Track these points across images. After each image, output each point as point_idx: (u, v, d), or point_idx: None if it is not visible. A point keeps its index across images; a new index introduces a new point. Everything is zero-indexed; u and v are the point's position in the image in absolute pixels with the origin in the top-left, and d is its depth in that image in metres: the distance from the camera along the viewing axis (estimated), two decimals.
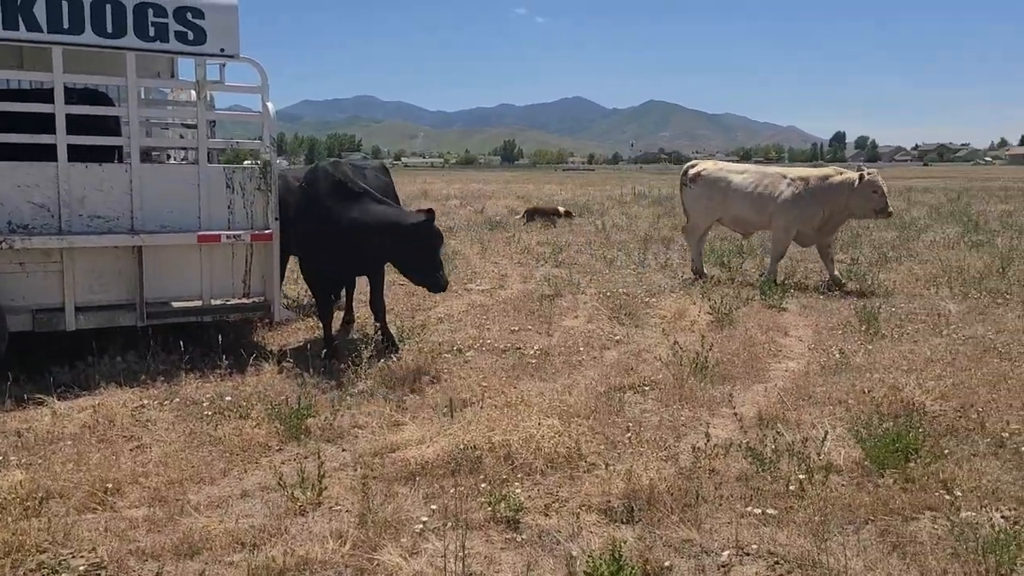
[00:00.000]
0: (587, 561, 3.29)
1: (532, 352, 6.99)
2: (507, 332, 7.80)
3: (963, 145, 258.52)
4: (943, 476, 4.28)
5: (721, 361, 6.62)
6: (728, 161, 15.71)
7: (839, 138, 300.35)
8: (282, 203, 7.04)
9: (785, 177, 10.75)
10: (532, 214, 19.32)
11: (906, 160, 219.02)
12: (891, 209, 10.48)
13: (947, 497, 4.06)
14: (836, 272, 10.60)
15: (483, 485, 4.15)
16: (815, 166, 13.87)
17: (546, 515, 3.93)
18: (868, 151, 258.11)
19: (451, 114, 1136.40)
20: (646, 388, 5.98)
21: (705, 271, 11.26)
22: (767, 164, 13.53)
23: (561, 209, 19.75)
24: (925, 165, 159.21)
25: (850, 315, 8.38)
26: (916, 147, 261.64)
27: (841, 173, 10.57)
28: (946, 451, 4.68)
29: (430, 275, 6.62)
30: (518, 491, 4.07)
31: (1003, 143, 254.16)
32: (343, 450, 4.84)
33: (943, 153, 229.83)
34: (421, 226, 6.43)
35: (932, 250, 13.90)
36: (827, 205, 10.36)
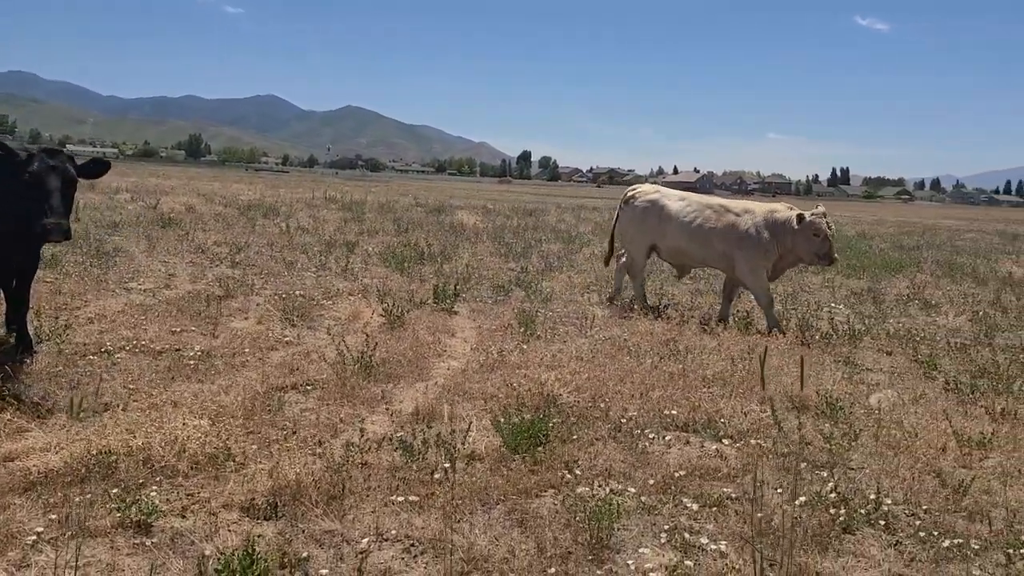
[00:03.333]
0: (219, 559, 3.23)
1: (192, 354, 6.66)
2: (167, 333, 7.36)
3: (630, 171, 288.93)
4: (567, 458, 4.78)
5: (388, 361, 6.80)
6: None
7: (525, 156, 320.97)
8: None
9: (729, 211, 9.76)
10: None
11: (583, 181, 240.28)
12: (835, 256, 9.43)
13: (568, 476, 4.56)
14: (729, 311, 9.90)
15: (115, 491, 3.89)
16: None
17: (183, 517, 3.79)
18: (550, 170, 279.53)
19: (128, 101, 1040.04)
20: (308, 387, 5.98)
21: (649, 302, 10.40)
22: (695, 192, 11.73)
23: None
24: (598, 187, 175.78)
25: (512, 318, 9.02)
26: (591, 170, 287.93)
27: (791, 209, 9.52)
28: (574, 436, 5.24)
29: (36, 219, 5.46)
30: (153, 494, 3.87)
31: (660, 171, 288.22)
32: None
33: (613, 176, 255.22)
34: (33, 158, 5.60)
35: (590, 262, 15.39)
36: (779, 244, 9.39)
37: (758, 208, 9.70)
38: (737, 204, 10.06)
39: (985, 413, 6.30)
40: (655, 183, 12.82)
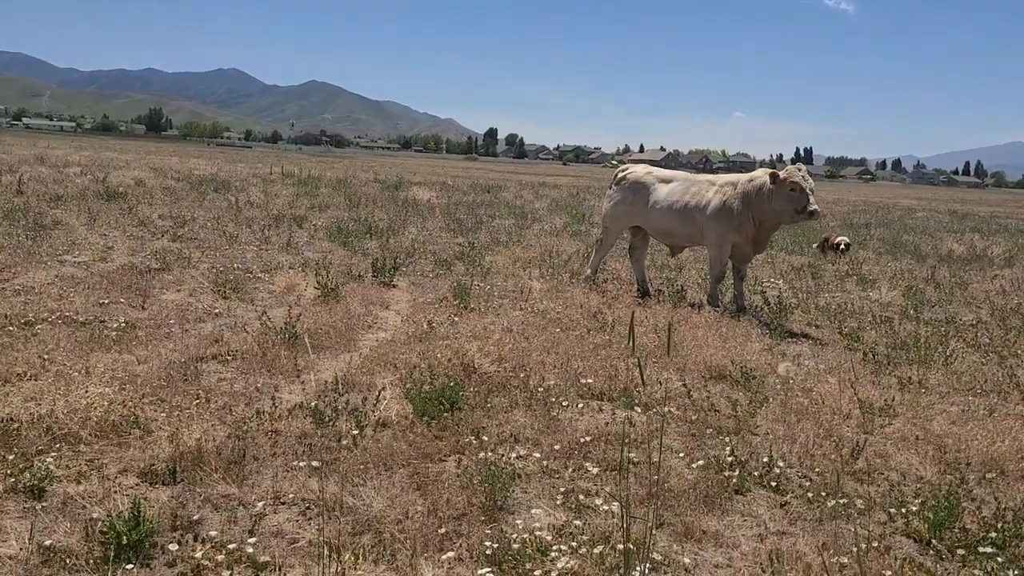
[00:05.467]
0: (106, 521, 3.28)
1: (116, 325, 6.63)
2: (94, 305, 7.32)
3: (596, 148, 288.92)
4: (475, 425, 4.87)
5: (316, 332, 6.83)
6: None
7: (492, 133, 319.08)
8: None
9: (714, 184, 9.57)
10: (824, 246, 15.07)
11: (549, 158, 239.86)
12: (813, 207, 8.87)
13: (474, 442, 4.65)
14: (745, 290, 9.54)
15: (11, 457, 3.90)
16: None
17: (78, 482, 3.82)
18: (516, 148, 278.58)
19: (86, 73, 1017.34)
20: (229, 358, 6.00)
21: (596, 279, 10.36)
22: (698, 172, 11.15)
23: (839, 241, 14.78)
24: (564, 164, 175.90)
25: (448, 292, 9.06)
26: (558, 147, 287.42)
27: (768, 172, 9.29)
28: (488, 404, 5.33)
29: None
30: (50, 461, 3.89)
31: (627, 149, 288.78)
32: None
33: (579, 154, 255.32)
34: None
35: (539, 237, 15.47)
36: (753, 210, 9.16)
37: (741, 178, 9.45)
38: (721, 178, 9.83)
39: (897, 382, 6.51)
40: (623, 161, 12.59)
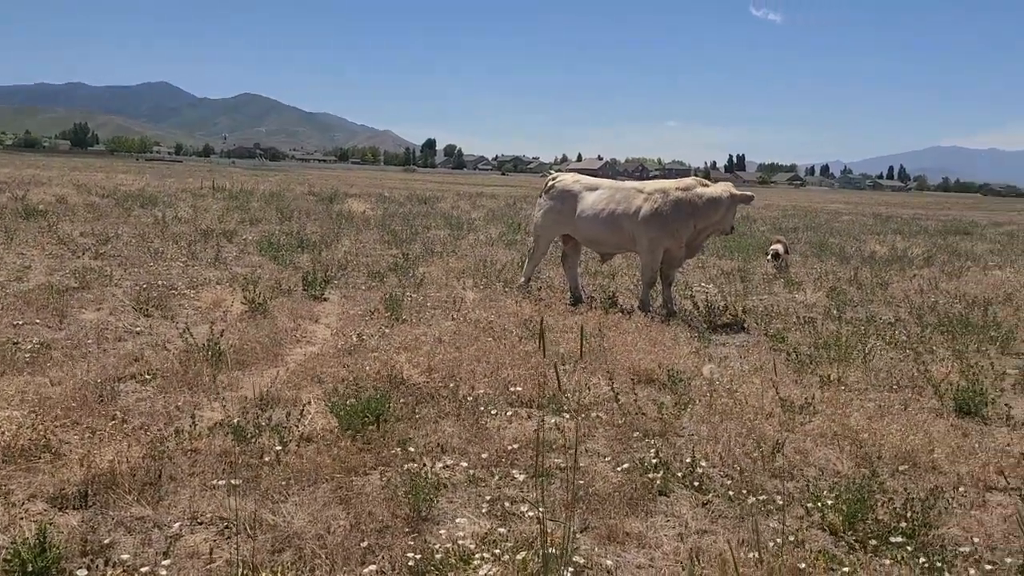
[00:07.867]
0: (9, 549, 3.16)
1: (29, 346, 6.41)
2: (7, 326, 7.06)
3: (534, 158, 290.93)
4: (401, 436, 4.84)
5: (242, 348, 6.70)
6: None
7: (430, 144, 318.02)
8: None
9: (641, 191, 9.66)
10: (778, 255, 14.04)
11: (488, 169, 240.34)
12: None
13: (400, 453, 4.61)
14: (674, 295, 9.78)
15: None
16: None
17: None
18: (455, 159, 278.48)
19: (5, 88, 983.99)
20: (148, 377, 5.84)
21: (531, 286, 10.47)
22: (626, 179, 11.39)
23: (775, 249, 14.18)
24: (503, 174, 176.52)
25: (380, 303, 8.99)
26: (496, 157, 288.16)
27: (706, 185, 9.59)
28: (416, 415, 5.30)
29: None
30: None
31: (565, 159, 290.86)
32: None
33: (518, 164, 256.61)
34: None
35: (474, 247, 15.46)
36: (698, 219, 9.39)
37: (671, 185, 9.61)
38: (649, 185, 9.91)
39: (818, 381, 6.67)
40: (561, 171, 12.58)
